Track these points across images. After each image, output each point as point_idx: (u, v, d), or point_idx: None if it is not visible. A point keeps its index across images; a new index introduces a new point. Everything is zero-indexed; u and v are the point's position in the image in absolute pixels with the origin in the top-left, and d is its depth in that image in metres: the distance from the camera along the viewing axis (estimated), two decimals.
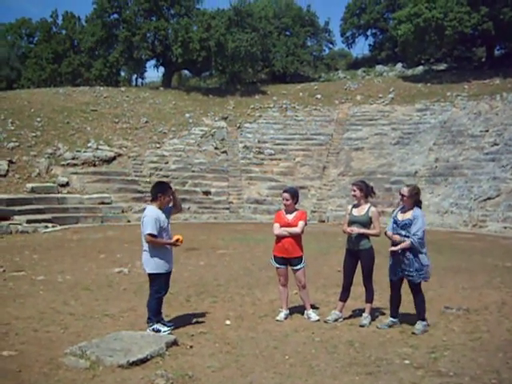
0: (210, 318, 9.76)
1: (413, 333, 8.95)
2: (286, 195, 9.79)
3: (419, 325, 9.09)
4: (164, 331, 8.66)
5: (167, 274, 9.12)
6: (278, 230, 9.75)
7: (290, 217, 9.75)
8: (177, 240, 9.08)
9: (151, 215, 8.91)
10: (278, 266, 9.82)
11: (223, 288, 12.34)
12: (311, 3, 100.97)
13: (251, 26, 48.32)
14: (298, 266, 9.75)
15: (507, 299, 11.23)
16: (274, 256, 9.84)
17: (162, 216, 9.04)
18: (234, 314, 10.01)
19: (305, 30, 56.53)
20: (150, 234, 8.79)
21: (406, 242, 8.94)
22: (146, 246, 8.96)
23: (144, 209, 9.80)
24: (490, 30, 43.35)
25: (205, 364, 7.33)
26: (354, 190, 9.69)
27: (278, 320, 9.67)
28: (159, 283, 8.93)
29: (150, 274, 8.98)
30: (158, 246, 8.90)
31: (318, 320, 9.63)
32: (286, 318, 9.75)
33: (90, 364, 7.03)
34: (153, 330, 8.72)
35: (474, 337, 8.68)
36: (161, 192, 9.06)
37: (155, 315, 8.90)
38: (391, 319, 9.41)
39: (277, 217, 9.97)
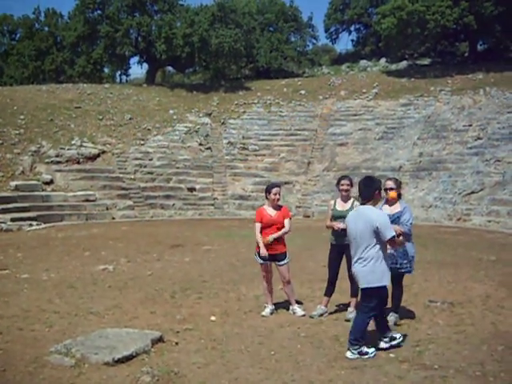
0: (195, 314, 9.75)
1: None
2: (279, 189, 9.78)
3: (392, 316, 9.14)
4: (371, 353, 7.61)
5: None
6: (260, 239, 9.72)
7: (274, 213, 9.72)
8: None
9: (385, 216, 7.85)
10: (262, 262, 9.80)
11: (208, 284, 12.33)
12: None
13: (235, 21, 48.24)
14: (282, 262, 9.73)
15: (491, 292, 11.29)
16: (258, 252, 9.83)
17: None
18: (220, 310, 10.00)
19: (288, 26, 56.48)
20: (392, 238, 7.69)
21: (402, 228, 8.93)
22: (370, 255, 7.69)
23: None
24: (473, 25, 43.56)
25: (190, 360, 7.32)
26: (348, 185, 9.69)
27: (263, 316, 9.67)
28: (380, 298, 7.86)
29: (370, 289, 7.72)
30: (386, 253, 7.85)
31: (304, 315, 9.64)
32: (271, 314, 9.75)
33: (75, 362, 7.00)
34: (359, 353, 7.54)
35: (458, 330, 8.73)
36: (378, 189, 7.99)
37: (363, 336, 7.66)
38: None
39: (259, 214, 9.85)
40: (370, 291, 7.70)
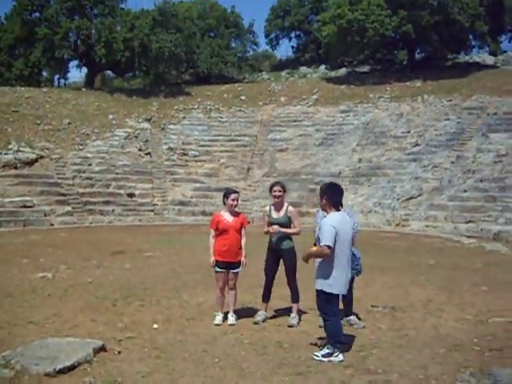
0: (137, 322, 9.62)
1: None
2: (237, 196, 9.76)
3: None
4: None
5: None
6: (212, 247, 9.71)
7: (231, 219, 9.67)
8: None
9: None
10: (219, 270, 9.67)
11: (150, 291, 12.20)
12: (236, 4, 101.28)
13: (175, 26, 48.13)
14: (237, 270, 9.70)
15: (432, 296, 11.49)
16: (217, 261, 9.68)
17: None
18: (162, 318, 9.89)
19: (229, 31, 56.67)
20: None
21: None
22: None
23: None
24: (411, 33, 44.47)
25: (134, 369, 7.21)
26: (280, 191, 9.64)
27: (216, 324, 9.46)
28: None
29: None
30: None
31: (233, 325, 9.50)
32: (223, 322, 9.64)
33: (14, 373, 6.80)
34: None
35: (400, 334, 8.83)
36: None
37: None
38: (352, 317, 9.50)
39: (214, 220, 9.76)
40: None
